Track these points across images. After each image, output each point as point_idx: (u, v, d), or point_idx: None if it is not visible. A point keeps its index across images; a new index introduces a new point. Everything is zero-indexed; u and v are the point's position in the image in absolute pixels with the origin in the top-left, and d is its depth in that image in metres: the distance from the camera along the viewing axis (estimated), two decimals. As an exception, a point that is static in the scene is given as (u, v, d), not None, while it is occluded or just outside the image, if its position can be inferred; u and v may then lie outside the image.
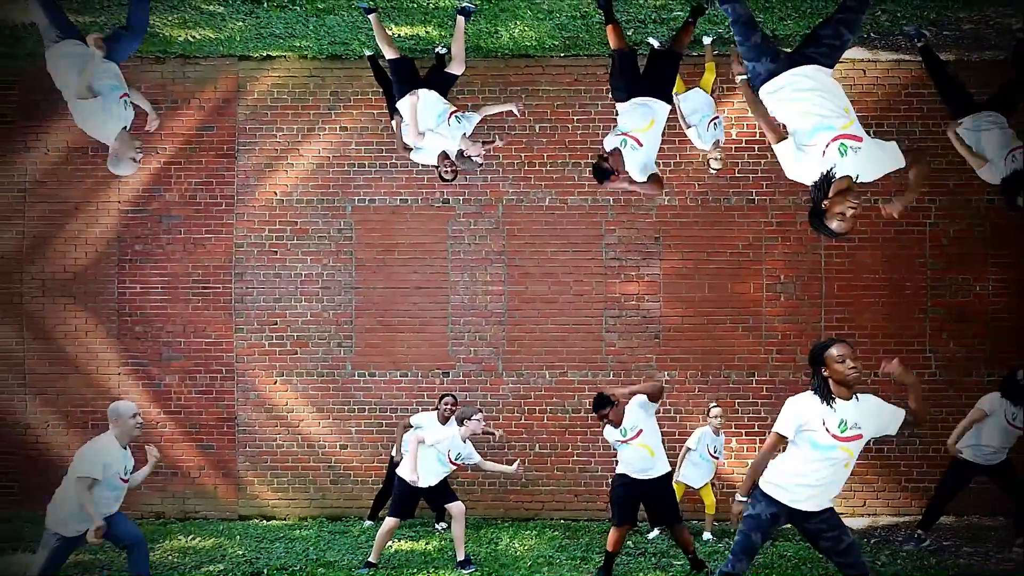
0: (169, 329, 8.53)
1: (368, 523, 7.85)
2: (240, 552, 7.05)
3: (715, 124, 7.04)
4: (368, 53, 7.81)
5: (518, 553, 7.04)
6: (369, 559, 6.49)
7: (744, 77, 4.30)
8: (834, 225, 3.92)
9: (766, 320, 8.33)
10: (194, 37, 7.67)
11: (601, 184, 5.77)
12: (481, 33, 7.53)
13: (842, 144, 3.91)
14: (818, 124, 3.94)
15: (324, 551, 7.05)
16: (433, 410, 7.25)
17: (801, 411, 4.20)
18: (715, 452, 7.28)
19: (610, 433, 6.22)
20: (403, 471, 6.49)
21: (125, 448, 5.40)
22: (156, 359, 8.53)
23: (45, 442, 8.42)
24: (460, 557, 6.50)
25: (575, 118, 8.45)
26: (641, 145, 5.68)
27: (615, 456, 6.50)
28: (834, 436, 4.13)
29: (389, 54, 6.56)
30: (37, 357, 8.54)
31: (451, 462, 6.52)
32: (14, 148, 8.56)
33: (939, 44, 7.57)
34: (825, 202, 3.88)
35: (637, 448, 6.09)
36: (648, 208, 8.38)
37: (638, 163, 5.68)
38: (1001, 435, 6.53)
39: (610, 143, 5.73)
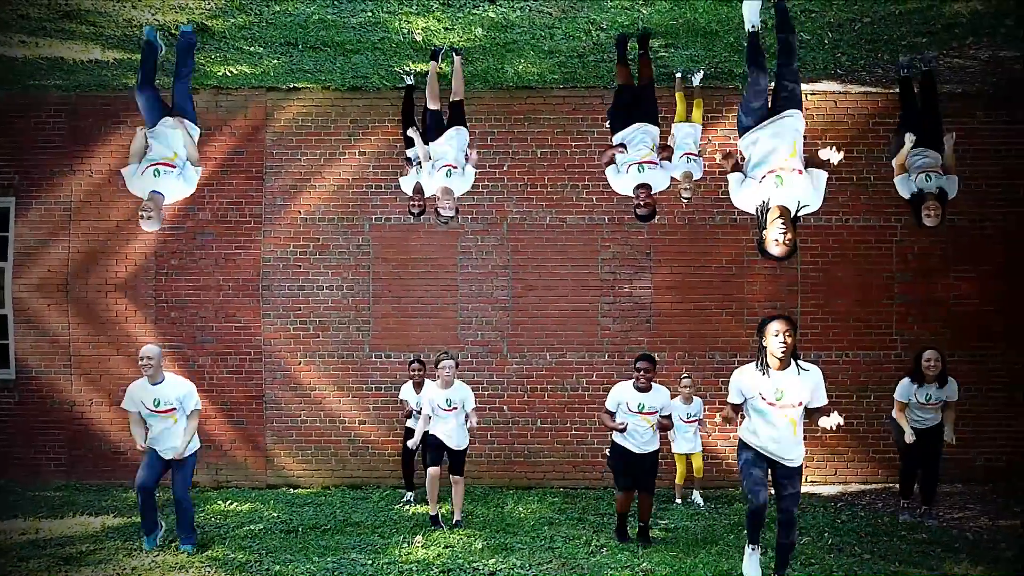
0: (202, 315, 9.34)
1: (409, 494, 8.40)
2: (275, 514, 7.91)
3: (687, 159, 7.75)
4: (410, 82, 8.37)
5: (522, 516, 7.87)
6: (431, 514, 7.29)
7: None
8: (771, 250, 4.73)
9: (748, 306, 9.13)
10: (231, 72, 8.51)
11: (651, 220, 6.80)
12: (489, 68, 8.37)
13: (776, 176, 4.75)
14: (761, 159, 4.83)
15: (350, 513, 7.91)
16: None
17: (741, 383, 5.12)
18: (688, 417, 8.00)
19: (626, 398, 6.74)
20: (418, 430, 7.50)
21: (155, 385, 6.50)
22: (190, 342, 9.33)
23: (90, 418, 9.25)
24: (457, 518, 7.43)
25: (573, 144, 9.27)
26: (656, 164, 6.65)
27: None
28: (770, 403, 4.99)
29: (432, 105, 7.30)
30: (82, 340, 9.34)
31: (447, 410, 7.27)
32: (62, 171, 9.38)
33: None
34: (764, 232, 4.72)
35: (643, 422, 6.71)
36: (640, 226, 9.18)
37: (660, 176, 6.65)
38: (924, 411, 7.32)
39: (631, 180, 6.61)
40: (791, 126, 4.96)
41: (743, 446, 5.26)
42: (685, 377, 8.10)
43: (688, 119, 8.12)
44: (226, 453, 9.32)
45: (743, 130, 5.12)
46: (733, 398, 5.24)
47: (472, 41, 7.46)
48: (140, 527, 6.71)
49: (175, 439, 6.57)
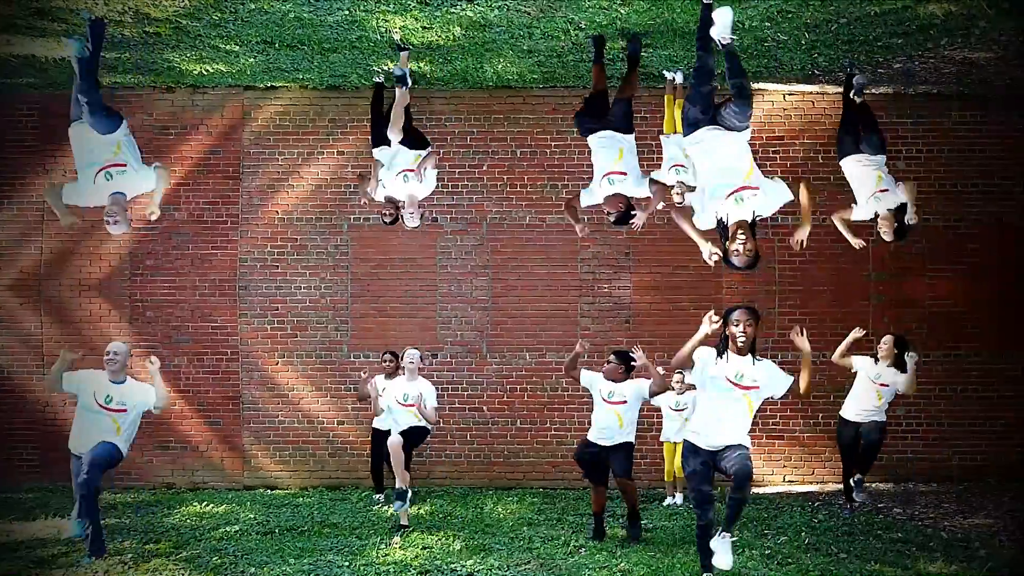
0: (178, 314, 9.25)
1: (378, 496, 8.35)
2: (252, 516, 7.85)
3: (677, 171, 7.53)
4: (379, 80, 8.10)
5: (501, 516, 7.87)
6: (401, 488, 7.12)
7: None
8: (735, 260, 4.82)
9: (726, 306, 9.09)
10: (207, 71, 8.42)
11: (629, 225, 6.42)
12: (468, 67, 8.34)
13: (738, 196, 4.84)
14: (720, 182, 4.91)
15: (327, 515, 7.85)
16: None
17: (706, 358, 5.07)
18: (678, 406, 8.01)
19: (598, 383, 6.80)
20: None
21: (115, 383, 5.86)
22: (166, 342, 9.22)
23: (63, 419, 9.01)
24: (398, 485, 7.15)
25: (553, 144, 9.27)
26: (625, 173, 6.29)
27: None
28: (731, 382, 4.97)
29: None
30: (55, 339, 9.20)
31: (403, 405, 7.33)
32: (34, 170, 9.25)
33: (876, 80, 8.52)
34: (726, 244, 4.81)
35: (610, 413, 6.75)
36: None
37: (633, 187, 6.31)
38: (870, 395, 7.42)
39: (601, 192, 6.33)
40: (740, 140, 4.95)
41: (689, 452, 5.11)
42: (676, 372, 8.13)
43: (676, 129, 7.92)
44: (202, 454, 9.24)
45: (690, 125, 5.04)
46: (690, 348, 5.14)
47: (450, 40, 7.43)
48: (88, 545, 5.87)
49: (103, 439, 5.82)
